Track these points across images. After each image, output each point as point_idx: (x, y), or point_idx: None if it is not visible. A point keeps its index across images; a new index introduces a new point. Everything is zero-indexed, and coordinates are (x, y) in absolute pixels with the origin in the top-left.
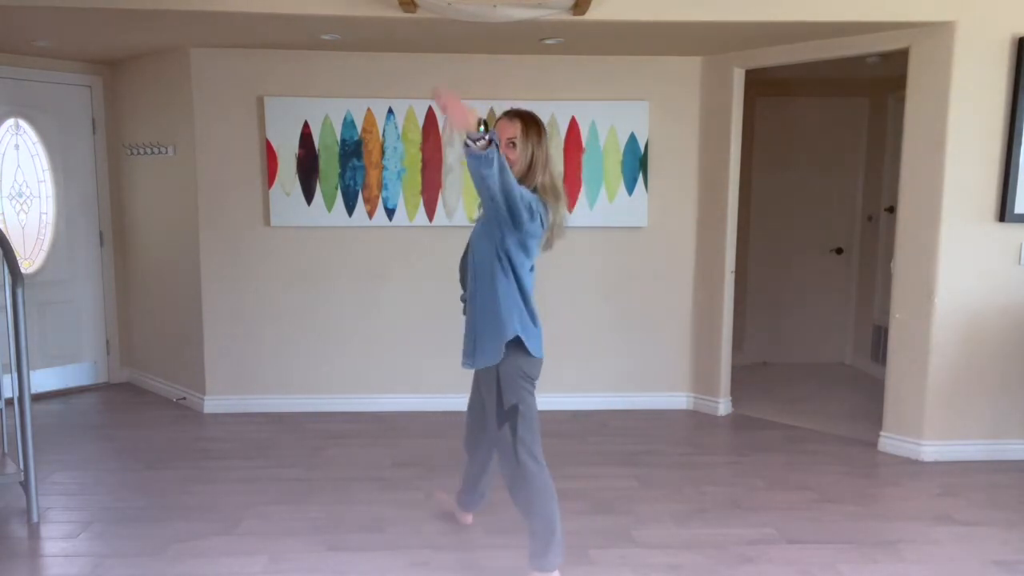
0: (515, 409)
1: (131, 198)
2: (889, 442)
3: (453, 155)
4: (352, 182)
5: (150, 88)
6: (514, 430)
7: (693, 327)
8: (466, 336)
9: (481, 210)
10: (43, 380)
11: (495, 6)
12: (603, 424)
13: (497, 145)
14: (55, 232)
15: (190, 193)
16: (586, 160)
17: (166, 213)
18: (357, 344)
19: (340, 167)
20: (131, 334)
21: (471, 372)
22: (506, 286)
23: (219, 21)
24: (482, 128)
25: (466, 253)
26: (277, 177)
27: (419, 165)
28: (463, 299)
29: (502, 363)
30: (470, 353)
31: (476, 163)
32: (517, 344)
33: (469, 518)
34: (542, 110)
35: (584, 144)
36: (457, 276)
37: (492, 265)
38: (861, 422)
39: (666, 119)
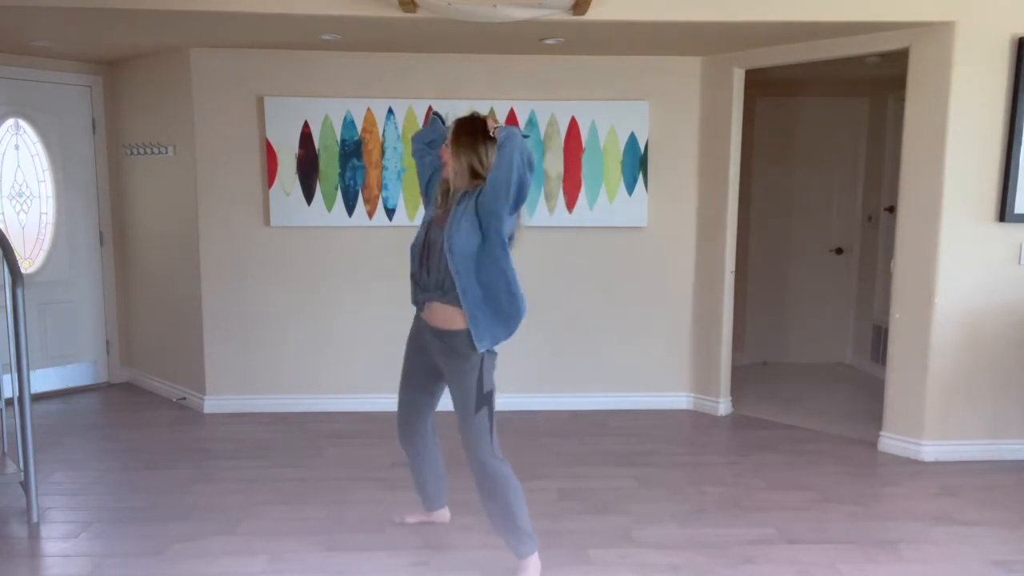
0: (491, 393)
1: (131, 198)
2: (889, 442)
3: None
4: (352, 182)
5: (150, 88)
6: (490, 415)
7: (693, 327)
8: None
9: (444, 200)
10: (43, 380)
11: (495, 6)
12: (603, 424)
13: (526, 135)
14: (55, 232)
15: (190, 193)
16: (586, 160)
17: (166, 213)
18: (357, 344)
19: (340, 167)
20: (131, 334)
21: None
22: (510, 265)
23: (219, 21)
24: (438, 118)
25: (427, 257)
26: (277, 177)
27: None
28: (426, 299)
29: (485, 354)
30: (478, 338)
31: (516, 142)
32: None
33: (446, 514)
34: (542, 110)
35: (584, 144)
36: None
37: (493, 250)
38: (861, 422)
39: (666, 119)
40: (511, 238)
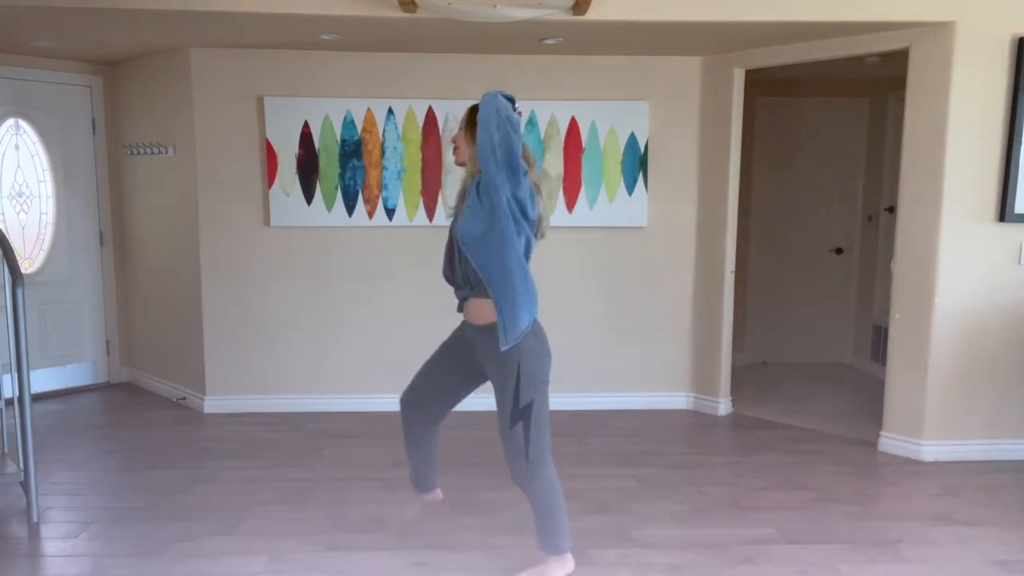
0: (530, 407)
1: (131, 198)
2: (889, 442)
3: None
4: (352, 182)
5: (150, 88)
6: (527, 429)
7: (693, 327)
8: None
9: (463, 198)
10: (43, 380)
11: (495, 6)
12: (603, 424)
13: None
14: (55, 232)
15: (190, 193)
16: (586, 160)
17: (166, 213)
18: (357, 344)
19: (340, 167)
20: (131, 334)
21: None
22: (517, 247)
23: (219, 21)
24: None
25: (452, 255)
26: (277, 177)
27: (419, 165)
28: (461, 297)
29: (524, 358)
30: (503, 331)
31: (489, 99)
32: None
33: (438, 493)
34: (542, 110)
35: (584, 144)
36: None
37: (501, 226)
38: (861, 422)
39: (666, 119)
40: (525, 216)
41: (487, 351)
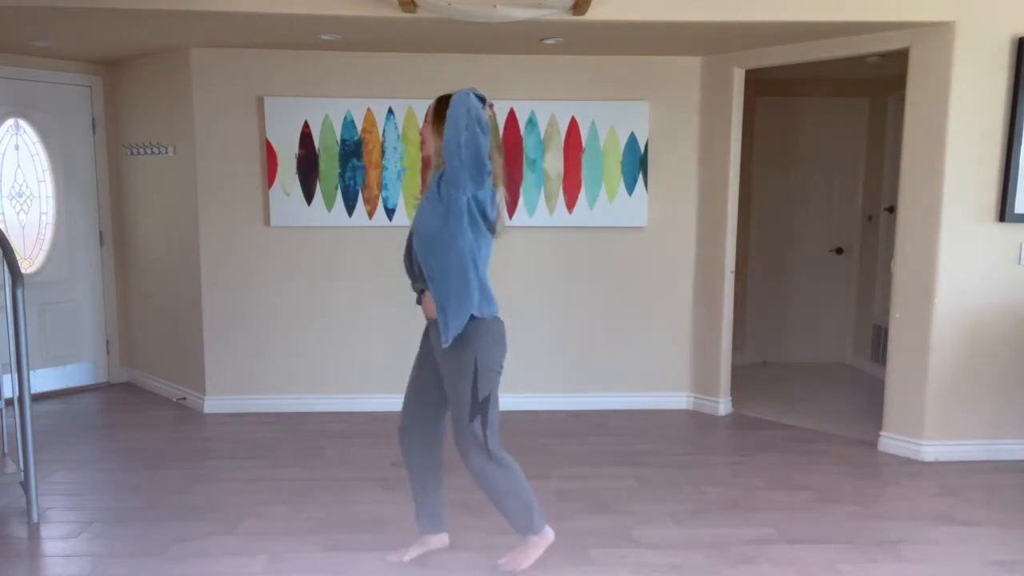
0: (487, 400)
1: (131, 198)
2: (889, 442)
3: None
4: (352, 182)
5: (150, 88)
6: (485, 422)
7: (693, 327)
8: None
9: (422, 195)
10: (43, 380)
11: (495, 6)
12: (603, 424)
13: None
14: (55, 232)
15: (190, 193)
16: (586, 160)
17: (166, 213)
18: (357, 344)
19: (340, 167)
20: (131, 334)
21: None
22: (467, 241)
23: (219, 21)
24: None
25: (409, 249)
26: (277, 177)
27: (419, 165)
28: (417, 290)
29: (481, 351)
30: (443, 328)
31: (460, 97)
32: (480, 322)
33: (445, 538)
34: (542, 110)
35: (584, 144)
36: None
37: (452, 230)
38: (861, 422)
39: (666, 119)
40: (485, 217)
41: (440, 345)
